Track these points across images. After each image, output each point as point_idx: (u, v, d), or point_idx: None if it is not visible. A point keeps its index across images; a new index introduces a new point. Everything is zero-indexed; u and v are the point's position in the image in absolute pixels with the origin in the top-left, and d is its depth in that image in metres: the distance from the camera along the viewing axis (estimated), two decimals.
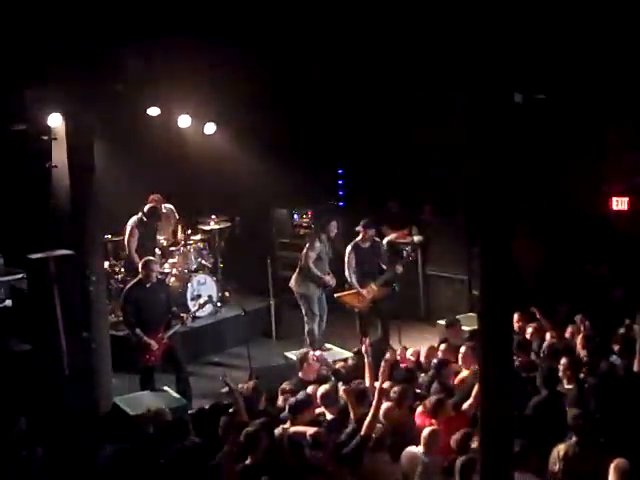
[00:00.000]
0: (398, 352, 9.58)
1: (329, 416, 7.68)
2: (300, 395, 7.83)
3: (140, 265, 10.16)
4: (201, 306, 11.18)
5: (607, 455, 6.35)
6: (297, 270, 11.62)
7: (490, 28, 5.75)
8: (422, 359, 9.49)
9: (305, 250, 11.57)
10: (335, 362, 9.83)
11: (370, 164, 13.99)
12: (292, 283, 11.60)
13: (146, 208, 11.95)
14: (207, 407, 8.63)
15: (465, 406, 7.67)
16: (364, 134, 13.87)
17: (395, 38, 10.76)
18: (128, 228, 11.81)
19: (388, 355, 8.65)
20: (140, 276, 10.05)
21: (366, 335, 11.25)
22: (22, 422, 7.79)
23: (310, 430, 7.03)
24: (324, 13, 7.10)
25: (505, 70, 5.72)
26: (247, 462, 6.74)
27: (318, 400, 7.85)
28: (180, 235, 12.84)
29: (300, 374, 8.88)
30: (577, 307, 10.04)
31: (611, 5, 6.40)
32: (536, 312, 9.73)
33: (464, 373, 8.64)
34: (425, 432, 7.02)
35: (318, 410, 7.82)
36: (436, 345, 9.65)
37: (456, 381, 8.56)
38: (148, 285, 9.98)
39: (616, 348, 8.74)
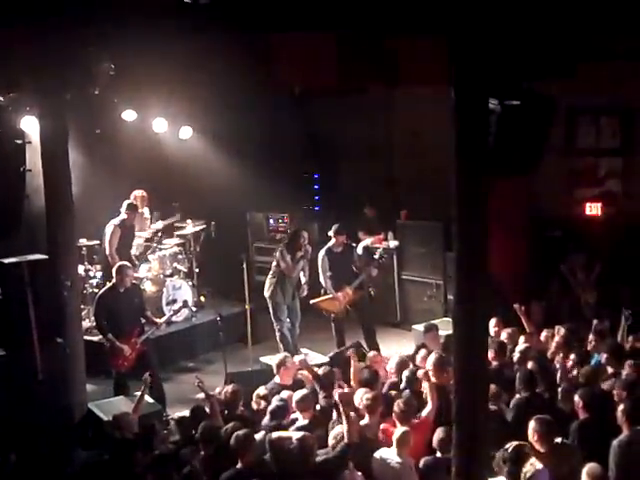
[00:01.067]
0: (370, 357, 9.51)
1: (303, 421, 7.67)
2: (278, 402, 7.84)
3: (114, 270, 10.11)
4: (176, 312, 11.14)
5: (578, 460, 6.40)
6: (269, 275, 11.64)
7: (468, 36, 5.80)
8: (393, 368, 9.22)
9: (276, 261, 11.59)
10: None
11: (346, 169, 14.04)
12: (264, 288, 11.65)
13: (125, 204, 11.90)
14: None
15: (424, 413, 7.71)
16: (340, 138, 13.91)
17: (375, 40, 10.79)
18: (111, 228, 11.72)
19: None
20: (114, 281, 10.01)
21: (342, 340, 11.31)
22: None
23: (297, 434, 7.01)
24: (305, 16, 7.10)
25: (481, 77, 5.77)
26: (238, 466, 6.73)
27: (293, 404, 7.85)
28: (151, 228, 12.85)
29: (277, 379, 8.87)
30: (552, 311, 10.12)
31: (587, 8, 6.48)
32: (518, 310, 9.62)
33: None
34: (397, 433, 7.09)
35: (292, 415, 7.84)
36: (412, 352, 9.62)
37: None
38: (122, 290, 9.93)
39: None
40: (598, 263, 11.04)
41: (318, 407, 8.03)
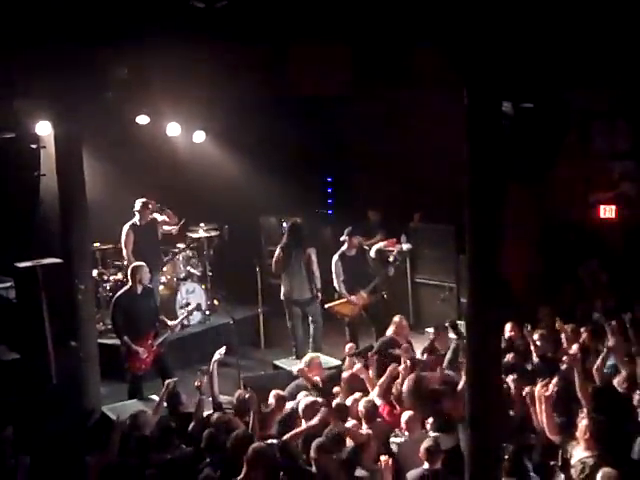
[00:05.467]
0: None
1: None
2: (289, 412, 7.81)
3: (129, 271, 10.15)
4: (189, 313, 11.17)
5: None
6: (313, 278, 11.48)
7: (480, 40, 5.80)
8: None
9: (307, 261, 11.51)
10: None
11: (359, 172, 14.03)
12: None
13: (137, 203, 11.81)
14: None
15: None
16: (353, 142, 13.91)
17: (384, 46, 10.79)
18: (124, 231, 11.74)
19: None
20: (130, 283, 10.04)
21: (356, 344, 11.28)
22: (9, 431, 7.76)
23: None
24: (316, 21, 7.12)
25: (495, 80, 5.76)
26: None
27: (300, 411, 7.79)
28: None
29: (302, 379, 8.82)
30: (564, 314, 10.06)
31: (596, 13, 6.47)
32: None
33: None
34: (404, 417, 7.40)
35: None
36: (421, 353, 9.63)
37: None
38: (139, 292, 9.97)
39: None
40: (604, 272, 10.96)
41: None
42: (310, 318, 11.42)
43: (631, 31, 7.12)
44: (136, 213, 11.72)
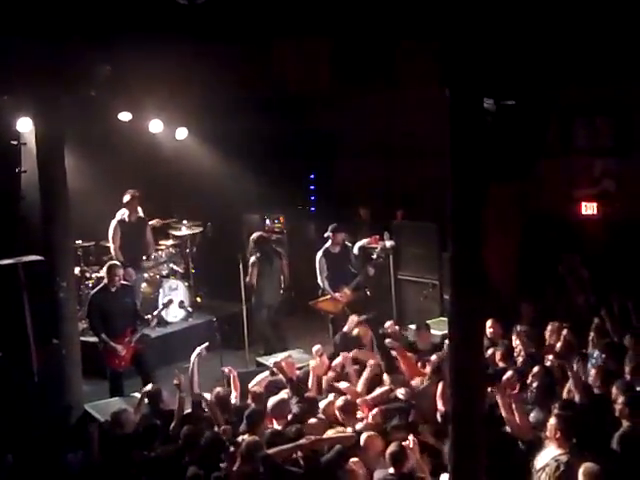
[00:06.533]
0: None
1: (277, 427, 7.56)
2: (255, 407, 7.79)
3: (105, 270, 10.16)
4: (165, 306, 11.20)
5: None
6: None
7: (461, 38, 5.81)
8: None
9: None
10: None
11: (343, 169, 14.03)
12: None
13: (125, 197, 11.81)
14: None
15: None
16: (336, 139, 13.92)
17: (367, 43, 10.78)
18: (111, 226, 11.74)
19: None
20: (105, 281, 10.04)
21: None
22: None
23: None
24: (299, 18, 7.11)
25: (477, 77, 5.78)
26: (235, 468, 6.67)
27: (268, 410, 7.76)
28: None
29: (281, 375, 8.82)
30: (547, 311, 10.12)
31: (577, 9, 6.50)
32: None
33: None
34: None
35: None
36: None
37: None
38: (113, 290, 9.97)
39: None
40: (585, 269, 11.01)
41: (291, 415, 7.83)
42: (274, 319, 11.68)
43: (613, 27, 7.16)
44: (124, 208, 11.69)
